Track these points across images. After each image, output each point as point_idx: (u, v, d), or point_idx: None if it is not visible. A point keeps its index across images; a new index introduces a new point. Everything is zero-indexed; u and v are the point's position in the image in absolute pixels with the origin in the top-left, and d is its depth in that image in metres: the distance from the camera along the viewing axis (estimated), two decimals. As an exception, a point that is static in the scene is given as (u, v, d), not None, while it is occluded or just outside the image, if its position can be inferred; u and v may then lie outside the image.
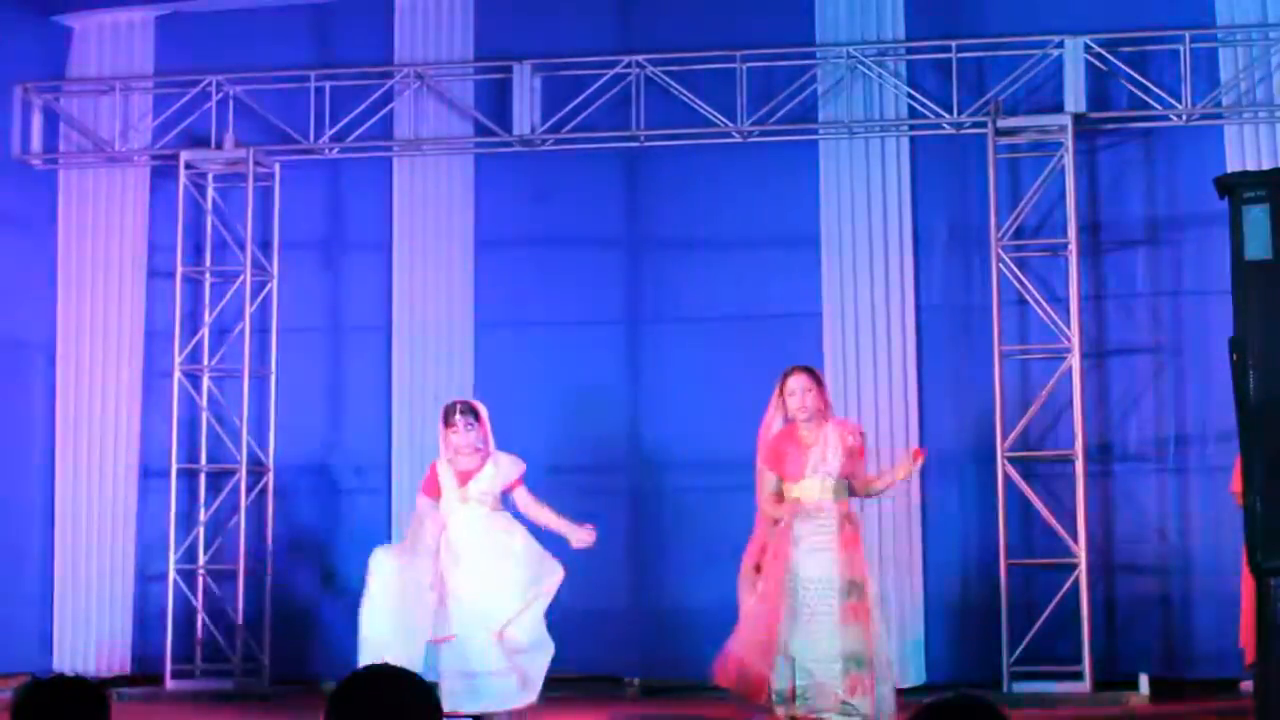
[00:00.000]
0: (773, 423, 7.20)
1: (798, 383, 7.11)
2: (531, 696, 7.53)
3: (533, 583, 7.52)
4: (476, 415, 7.74)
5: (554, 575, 7.57)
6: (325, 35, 10.24)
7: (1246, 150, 9.09)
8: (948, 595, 9.26)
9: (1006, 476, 9.00)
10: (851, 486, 7.16)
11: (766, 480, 7.16)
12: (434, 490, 7.71)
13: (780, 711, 6.88)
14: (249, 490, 9.81)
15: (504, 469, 7.69)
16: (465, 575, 7.47)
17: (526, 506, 7.73)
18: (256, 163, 9.98)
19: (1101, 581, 9.09)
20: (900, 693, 7.39)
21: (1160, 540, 9.13)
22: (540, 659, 7.55)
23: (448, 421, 7.70)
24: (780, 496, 7.13)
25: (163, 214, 10.21)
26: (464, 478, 7.63)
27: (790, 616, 6.87)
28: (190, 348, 9.96)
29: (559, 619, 9.51)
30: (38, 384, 10.22)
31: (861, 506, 7.51)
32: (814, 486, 7.03)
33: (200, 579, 9.87)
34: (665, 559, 9.51)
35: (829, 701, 6.82)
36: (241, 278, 9.95)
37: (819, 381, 7.20)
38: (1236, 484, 7.33)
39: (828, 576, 6.88)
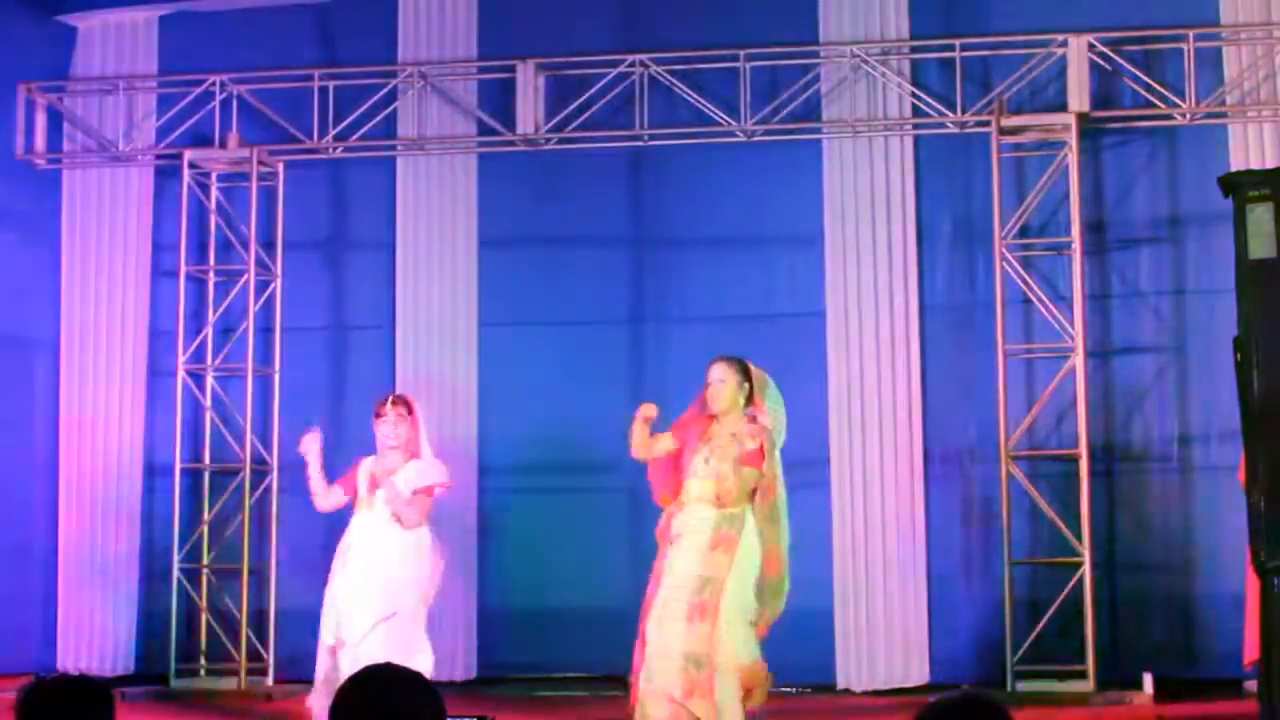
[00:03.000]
0: (693, 410, 6.91)
1: (713, 373, 6.79)
2: None
3: (381, 607, 7.20)
4: (408, 409, 7.53)
5: (402, 601, 7.23)
6: (329, 35, 10.24)
7: (1251, 149, 9.08)
8: (951, 594, 9.26)
9: (1010, 475, 9.00)
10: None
11: (661, 438, 6.86)
12: (350, 489, 7.47)
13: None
14: (253, 489, 9.82)
15: (421, 474, 7.37)
16: (343, 581, 7.29)
17: (403, 513, 7.33)
18: (260, 162, 9.99)
19: (1105, 580, 9.08)
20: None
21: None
22: None
23: (377, 412, 7.44)
24: (665, 455, 6.86)
25: (167, 213, 10.22)
26: (375, 482, 7.37)
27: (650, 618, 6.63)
28: (194, 347, 9.97)
29: (563, 619, 9.56)
30: (42, 383, 10.22)
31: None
32: (694, 486, 6.73)
33: (204, 578, 9.88)
34: (669, 558, 9.50)
35: (662, 707, 6.52)
36: (245, 277, 9.95)
37: (745, 375, 6.79)
38: (1244, 473, 7.32)
39: (687, 573, 6.59)
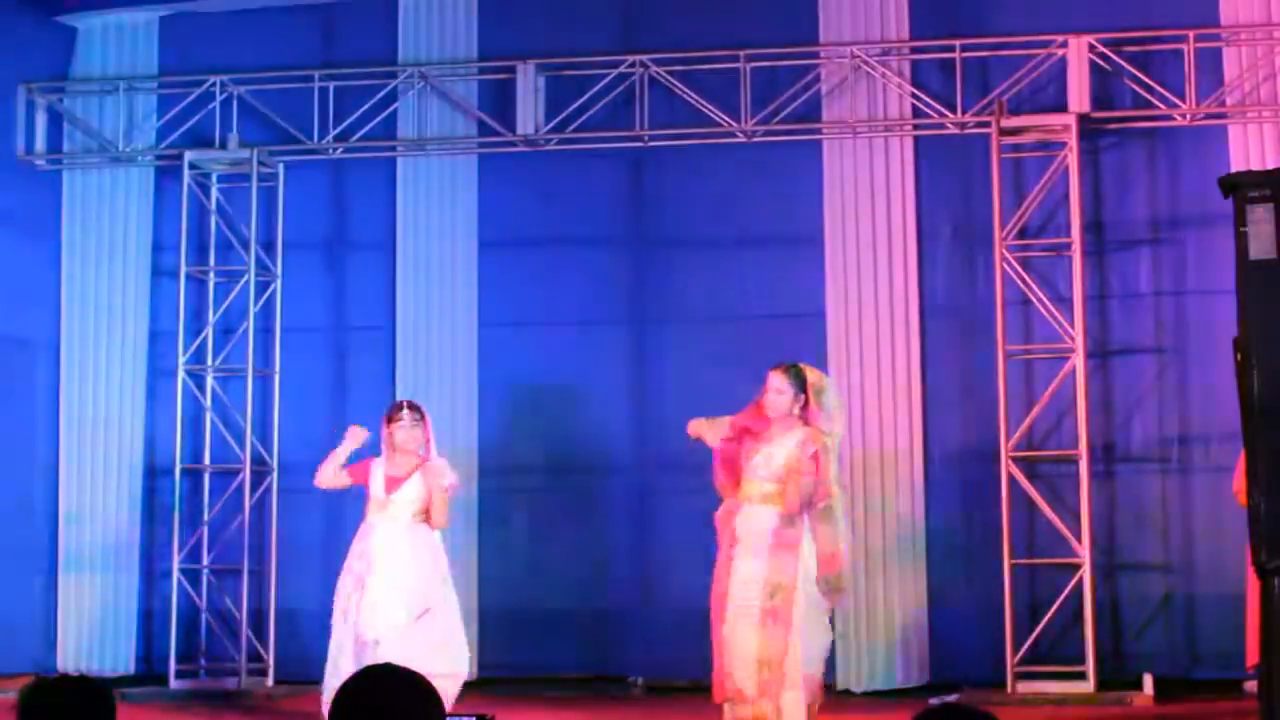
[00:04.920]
0: (749, 411, 7.11)
1: (772, 382, 7.02)
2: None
3: (416, 605, 7.44)
4: (421, 415, 7.72)
5: (425, 606, 7.46)
6: (329, 35, 10.24)
7: (1251, 149, 9.08)
8: (951, 595, 9.26)
9: (1010, 476, 9.00)
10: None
11: (718, 422, 7.04)
12: (361, 476, 7.69)
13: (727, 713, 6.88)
14: (253, 490, 9.81)
15: (430, 479, 7.60)
16: (374, 585, 7.46)
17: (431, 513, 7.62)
18: (260, 163, 9.99)
19: (1105, 581, 9.09)
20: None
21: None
22: (443, 685, 7.42)
23: (392, 416, 7.68)
24: (729, 438, 7.04)
25: (167, 214, 10.22)
26: (391, 484, 7.59)
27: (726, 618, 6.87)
28: (194, 347, 9.97)
29: (564, 618, 9.56)
30: (42, 383, 10.22)
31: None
32: (754, 486, 6.94)
33: (204, 578, 9.87)
34: (669, 558, 9.51)
35: (744, 707, 6.80)
36: (245, 277, 9.95)
37: (801, 386, 6.99)
38: (1238, 483, 7.32)
39: (755, 577, 6.83)
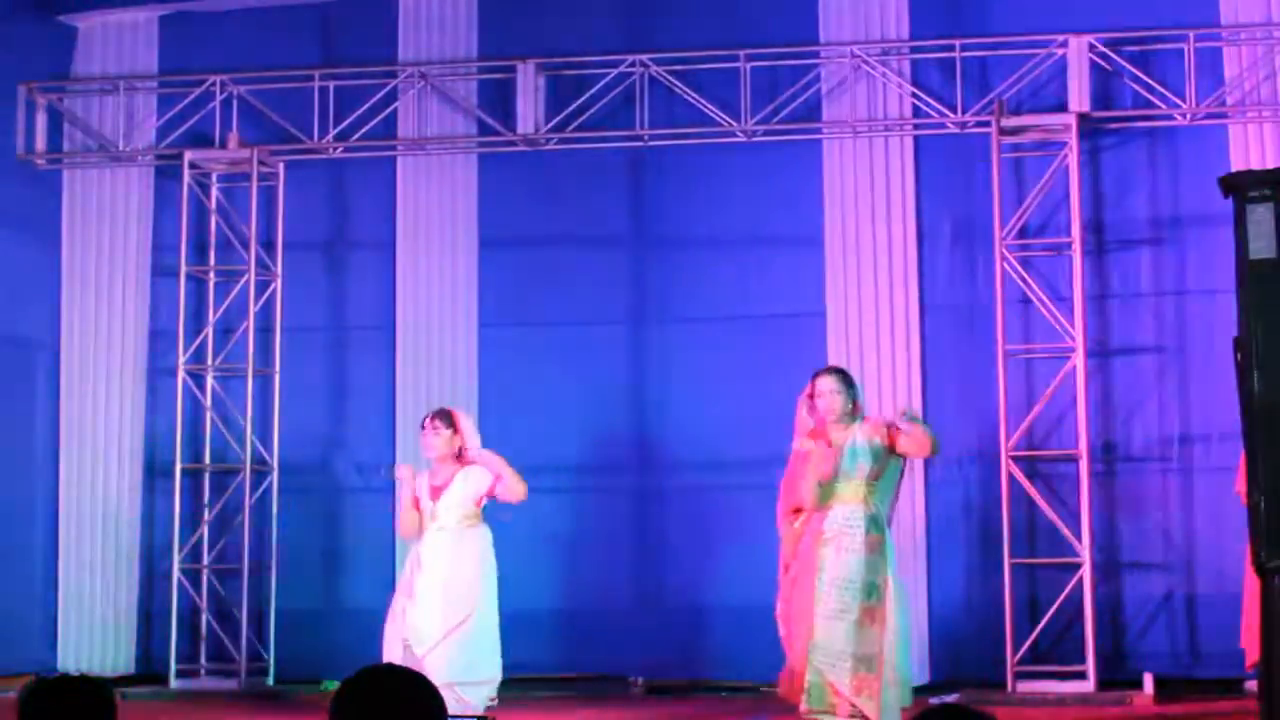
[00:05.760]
0: (804, 420, 7.25)
1: (826, 384, 7.18)
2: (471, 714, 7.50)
3: (452, 617, 7.47)
4: (450, 420, 7.74)
5: (465, 612, 7.49)
6: (329, 35, 10.24)
7: (1251, 149, 9.09)
8: (951, 594, 9.26)
9: (1010, 476, 9.00)
10: (899, 456, 7.19)
11: (808, 448, 7.13)
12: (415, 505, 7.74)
13: (803, 707, 7.01)
14: (253, 489, 9.81)
15: (473, 481, 7.66)
16: (421, 587, 7.51)
17: (505, 496, 7.71)
18: (260, 162, 9.99)
19: (1105, 581, 9.09)
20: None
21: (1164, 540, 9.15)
22: (472, 692, 7.47)
23: (423, 426, 7.77)
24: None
25: (167, 213, 10.22)
26: (435, 492, 7.65)
27: (815, 614, 6.99)
28: (194, 347, 9.97)
29: (564, 618, 9.56)
30: (42, 383, 10.22)
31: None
32: (843, 489, 7.08)
33: (205, 578, 9.87)
34: (670, 558, 9.52)
35: (831, 700, 6.94)
36: (245, 277, 9.96)
37: (849, 383, 7.24)
38: (1241, 484, 7.32)
39: (851, 577, 6.98)
